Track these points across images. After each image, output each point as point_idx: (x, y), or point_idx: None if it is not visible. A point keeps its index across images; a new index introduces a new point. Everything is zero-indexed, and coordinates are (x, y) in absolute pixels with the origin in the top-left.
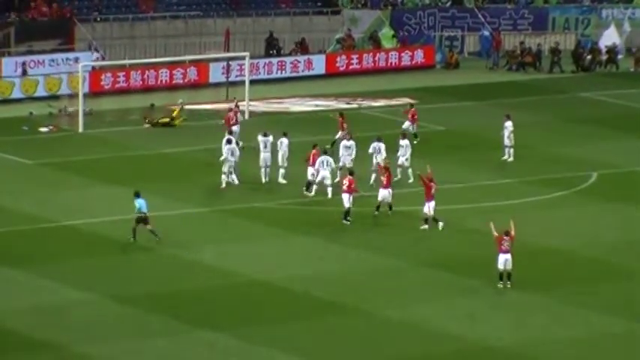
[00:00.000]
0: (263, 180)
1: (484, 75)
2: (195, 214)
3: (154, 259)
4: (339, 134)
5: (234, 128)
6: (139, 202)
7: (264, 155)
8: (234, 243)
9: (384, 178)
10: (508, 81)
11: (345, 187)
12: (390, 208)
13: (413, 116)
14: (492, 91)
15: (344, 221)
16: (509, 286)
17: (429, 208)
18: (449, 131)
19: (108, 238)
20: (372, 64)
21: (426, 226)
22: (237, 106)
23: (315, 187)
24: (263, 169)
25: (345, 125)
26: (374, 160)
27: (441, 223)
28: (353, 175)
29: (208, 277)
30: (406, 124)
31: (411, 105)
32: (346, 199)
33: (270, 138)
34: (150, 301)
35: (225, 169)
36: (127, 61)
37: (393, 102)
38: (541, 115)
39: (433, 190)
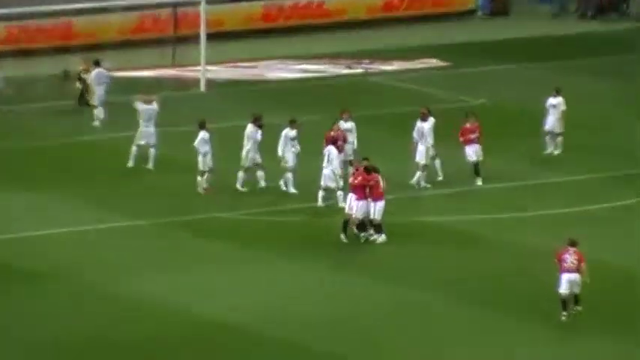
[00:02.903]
0: (130, 163)
1: (545, 25)
2: (128, 227)
3: (69, 291)
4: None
5: None
6: None
7: (145, 130)
8: (184, 270)
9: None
10: (580, 33)
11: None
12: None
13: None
14: (556, 49)
15: (344, 235)
16: (579, 309)
17: (374, 210)
18: (489, 107)
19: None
20: (383, 11)
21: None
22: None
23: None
24: (135, 147)
25: None
26: (419, 148)
27: (363, 234)
28: (370, 172)
29: (145, 317)
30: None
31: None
32: (356, 206)
33: (154, 106)
34: (59, 352)
35: (200, 166)
36: (28, 8)
37: (415, 65)
38: (625, 82)
39: (383, 186)
